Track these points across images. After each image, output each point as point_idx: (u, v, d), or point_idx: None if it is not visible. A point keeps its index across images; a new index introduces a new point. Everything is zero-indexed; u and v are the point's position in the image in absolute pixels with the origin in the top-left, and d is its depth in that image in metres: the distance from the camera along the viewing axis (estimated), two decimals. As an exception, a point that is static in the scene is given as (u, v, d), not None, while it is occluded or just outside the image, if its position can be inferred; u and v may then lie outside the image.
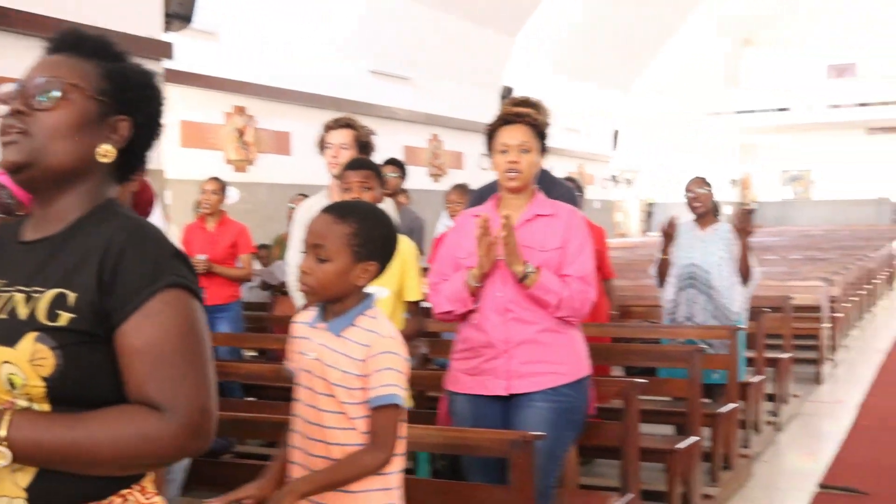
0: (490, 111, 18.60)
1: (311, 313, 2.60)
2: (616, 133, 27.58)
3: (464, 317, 3.60)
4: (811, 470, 5.99)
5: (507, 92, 18.87)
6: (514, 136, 3.56)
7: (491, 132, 3.63)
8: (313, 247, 2.49)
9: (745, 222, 6.15)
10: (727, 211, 32.42)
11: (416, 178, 15.39)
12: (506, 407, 3.55)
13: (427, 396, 4.60)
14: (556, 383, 3.50)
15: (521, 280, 3.45)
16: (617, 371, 6.61)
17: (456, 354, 3.67)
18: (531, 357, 3.50)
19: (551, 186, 3.98)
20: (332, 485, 2.42)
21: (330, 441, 2.46)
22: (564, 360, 3.54)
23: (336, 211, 2.54)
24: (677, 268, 6.28)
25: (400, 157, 13.95)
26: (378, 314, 2.56)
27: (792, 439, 7.00)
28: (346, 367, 2.45)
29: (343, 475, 2.43)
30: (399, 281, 3.85)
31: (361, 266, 2.50)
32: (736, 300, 6.19)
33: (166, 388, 1.53)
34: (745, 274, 6.17)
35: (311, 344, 2.53)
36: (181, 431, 1.52)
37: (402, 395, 2.47)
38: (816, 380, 8.90)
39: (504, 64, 19.24)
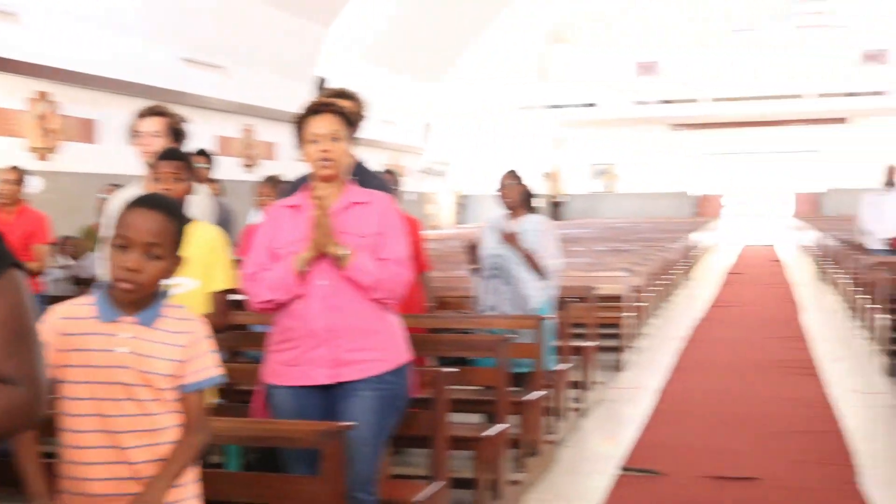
0: (304, 101, 18.59)
1: (82, 308, 2.58)
2: (429, 125, 27.84)
3: (282, 307, 3.59)
4: (613, 453, 6.23)
5: (320, 82, 18.79)
6: (323, 125, 3.58)
7: (299, 123, 3.64)
8: (147, 245, 2.51)
9: (510, 238, 6.31)
10: (540, 203, 33.23)
11: (229, 169, 15.17)
12: (328, 397, 3.57)
13: (236, 390, 4.56)
14: (380, 370, 3.55)
15: (337, 262, 3.47)
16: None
17: (274, 346, 3.65)
18: (355, 345, 3.53)
19: (367, 178, 4.02)
20: (178, 475, 2.55)
21: (157, 427, 2.54)
22: (386, 346, 3.59)
23: (164, 208, 2.58)
24: (485, 259, 6.43)
25: (212, 147, 13.75)
26: (175, 302, 2.66)
27: (595, 425, 7.27)
28: (168, 356, 2.53)
29: (184, 461, 2.56)
30: (207, 270, 3.80)
31: (177, 262, 2.60)
32: (536, 291, 6.38)
33: (19, 362, 1.61)
34: (537, 271, 6.35)
35: (114, 339, 2.52)
36: (35, 401, 1.62)
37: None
38: (619, 367, 9.25)
39: (318, 54, 19.16)
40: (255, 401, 3.84)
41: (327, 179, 3.61)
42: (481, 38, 28.08)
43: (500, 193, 6.51)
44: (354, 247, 3.50)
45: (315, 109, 3.62)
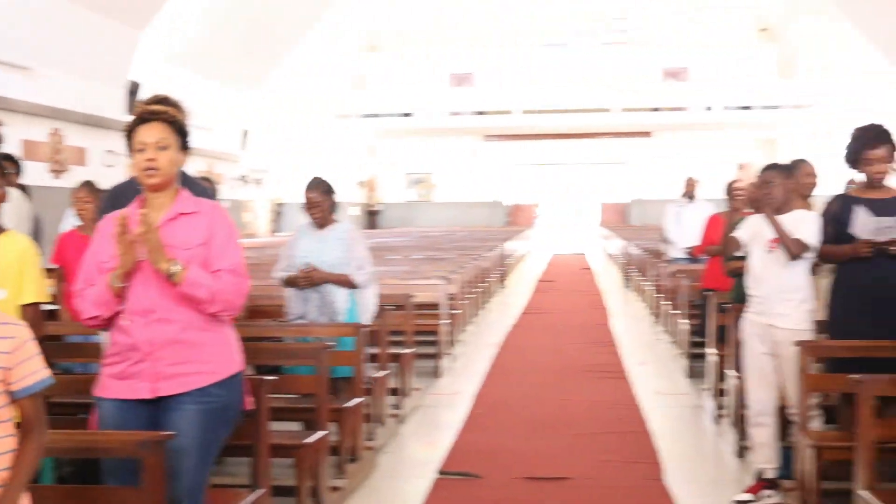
0: (116, 106, 17.94)
1: None
2: (245, 132, 27.51)
3: (110, 321, 3.54)
4: (431, 458, 6.35)
5: (134, 87, 18.33)
6: (150, 133, 3.55)
7: (129, 132, 3.60)
8: None
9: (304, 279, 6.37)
10: (354, 212, 33.29)
11: (36, 174, 14.61)
12: (154, 411, 3.53)
13: (51, 402, 4.44)
14: (204, 383, 3.53)
15: (170, 278, 3.44)
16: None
17: (106, 359, 3.61)
18: (177, 358, 3.50)
19: (189, 186, 3.99)
20: (26, 482, 2.55)
21: None
22: (213, 358, 3.57)
23: None
24: (295, 268, 6.42)
25: (17, 151, 13.20)
26: None
27: (413, 430, 7.38)
28: None
29: (30, 467, 2.56)
30: (17, 281, 3.71)
31: None
32: (344, 299, 6.43)
33: None
34: (349, 286, 6.41)
35: None
36: None
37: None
38: (436, 373, 9.39)
39: (131, 58, 18.67)
40: (93, 414, 3.77)
41: (155, 189, 3.59)
42: (299, 45, 27.94)
43: (306, 206, 6.48)
44: (180, 260, 3.47)
45: (143, 118, 3.59)
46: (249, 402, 3.85)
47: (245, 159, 27.83)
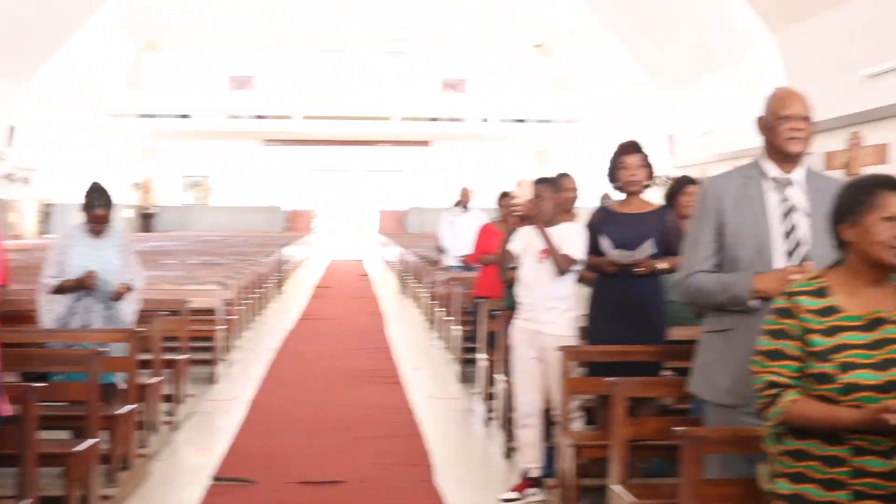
0: None
1: None
2: (12, 128, 26.29)
3: None
4: (206, 464, 6.33)
5: None
6: None
7: None
8: None
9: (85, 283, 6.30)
10: (127, 215, 32.35)
11: None
12: None
13: None
14: None
15: None
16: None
17: None
18: None
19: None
20: None
21: None
22: None
23: None
24: (72, 276, 6.28)
25: None
26: None
27: (188, 437, 7.31)
28: None
29: None
30: None
31: None
32: (129, 306, 6.39)
33: None
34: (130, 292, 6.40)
35: None
36: None
37: None
38: (211, 379, 9.31)
39: None
40: None
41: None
42: (72, 38, 26.92)
43: (92, 220, 6.38)
44: None
45: None
46: (6, 409, 3.75)
47: (11, 157, 26.57)
